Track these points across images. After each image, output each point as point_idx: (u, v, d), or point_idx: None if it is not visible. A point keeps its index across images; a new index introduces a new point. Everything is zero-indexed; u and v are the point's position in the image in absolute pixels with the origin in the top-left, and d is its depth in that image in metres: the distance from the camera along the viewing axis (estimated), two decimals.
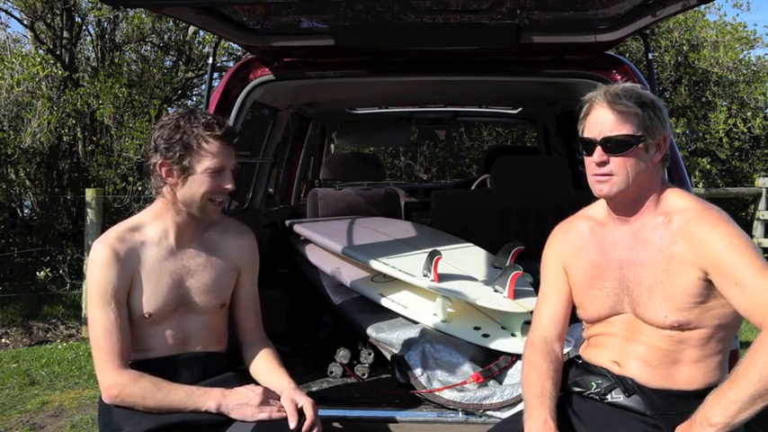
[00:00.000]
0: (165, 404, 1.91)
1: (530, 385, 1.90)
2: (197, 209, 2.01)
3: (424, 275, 2.72)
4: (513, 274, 2.62)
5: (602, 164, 1.79)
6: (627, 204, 1.85)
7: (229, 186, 2.01)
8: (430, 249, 2.79)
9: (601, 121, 1.80)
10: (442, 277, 2.70)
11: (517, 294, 2.63)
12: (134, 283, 1.99)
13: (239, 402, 1.93)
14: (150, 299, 2.00)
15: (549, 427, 1.77)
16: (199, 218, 2.05)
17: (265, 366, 2.14)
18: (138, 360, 2.02)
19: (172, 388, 1.93)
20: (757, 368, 1.56)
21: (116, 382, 1.92)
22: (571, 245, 1.98)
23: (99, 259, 1.96)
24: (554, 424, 1.78)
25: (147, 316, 2.00)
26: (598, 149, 1.79)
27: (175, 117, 1.99)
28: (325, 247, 3.31)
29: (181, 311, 2.06)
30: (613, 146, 1.77)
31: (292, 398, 1.97)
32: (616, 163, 1.78)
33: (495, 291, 2.68)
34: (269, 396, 1.97)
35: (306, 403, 1.96)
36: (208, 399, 1.93)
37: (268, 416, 1.93)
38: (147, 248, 2.01)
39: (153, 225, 2.05)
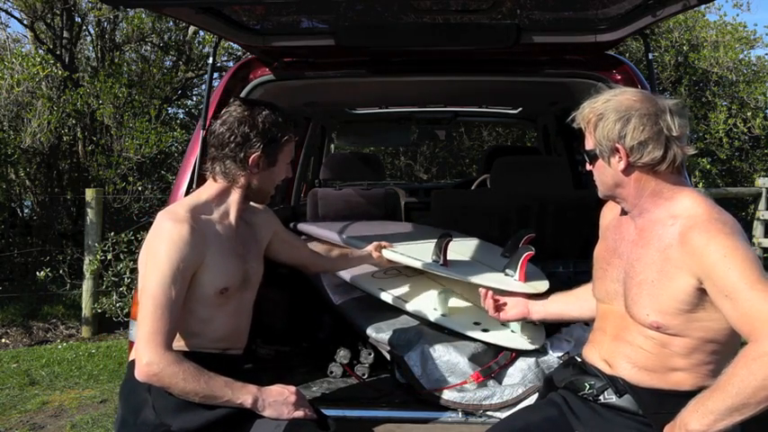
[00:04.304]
0: (204, 391, 1.87)
1: None
2: (266, 193, 2.20)
3: (434, 260, 2.71)
4: (525, 255, 2.59)
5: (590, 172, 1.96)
6: (623, 204, 1.94)
7: (290, 174, 2.28)
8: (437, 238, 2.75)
9: None
10: (452, 263, 2.69)
11: (528, 277, 2.62)
12: (207, 260, 2.00)
13: (275, 399, 1.95)
14: (225, 273, 2.05)
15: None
16: (254, 200, 2.22)
17: (338, 251, 2.82)
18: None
19: (212, 376, 1.90)
20: (736, 381, 1.55)
21: (159, 360, 1.85)
22: (610, 219, 2.07)
23: (177, 235, 1.94)
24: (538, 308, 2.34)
25: (222, 291, 2.03)
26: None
27: (263, 113, 2.09)
28: (329, 240, 3.29)
29: (242, 288, 2.14)
30: (587, 159, 1.93)
31: (376, 246, 2.73)
32: (594, 172, 1.94)
33: (507, 275, 2.67)
34: (302, 396, 2.00)
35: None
36: (245, 392, 1.93)
37: (304, 414, 1.95)
38: (214, 227, 2.08)
39: (213, 205, 2.12)
